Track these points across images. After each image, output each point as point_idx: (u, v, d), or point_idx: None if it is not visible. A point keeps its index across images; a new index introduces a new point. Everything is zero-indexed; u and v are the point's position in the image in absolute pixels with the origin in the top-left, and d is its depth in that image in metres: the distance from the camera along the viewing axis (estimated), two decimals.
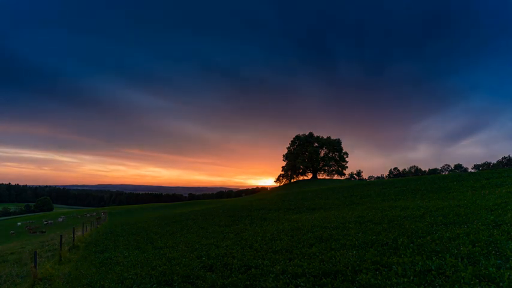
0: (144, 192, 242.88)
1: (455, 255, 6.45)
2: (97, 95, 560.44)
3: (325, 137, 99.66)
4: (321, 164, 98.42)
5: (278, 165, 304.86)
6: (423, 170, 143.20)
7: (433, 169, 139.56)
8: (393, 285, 5.44)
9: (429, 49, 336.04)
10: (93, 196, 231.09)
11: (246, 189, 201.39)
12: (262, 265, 7.93)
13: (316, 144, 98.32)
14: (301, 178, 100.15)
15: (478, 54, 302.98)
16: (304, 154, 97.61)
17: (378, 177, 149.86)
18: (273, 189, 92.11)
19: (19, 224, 54.03)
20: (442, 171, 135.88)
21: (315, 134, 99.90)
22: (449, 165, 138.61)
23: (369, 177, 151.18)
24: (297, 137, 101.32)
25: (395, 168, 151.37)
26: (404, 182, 31.32)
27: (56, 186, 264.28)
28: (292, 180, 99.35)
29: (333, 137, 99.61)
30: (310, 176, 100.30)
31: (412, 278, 5.60)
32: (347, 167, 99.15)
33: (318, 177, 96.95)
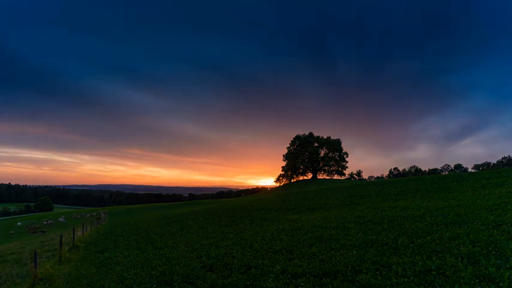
0: (144, 192, 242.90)
1: (455, 255, 6.45)
2: (97, 95, 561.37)
3: (325, 137, 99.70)
4: (321, 164, 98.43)
5: (278, 165, 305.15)
6: (423, 170, 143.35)
7: (433, 169, 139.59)
8: (393, 285, 5.44)
9: (429, 48, 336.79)
10: (93, 196, 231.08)
11: (246, 189, 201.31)
12: (262, 265, 7.93)
13: (316, 144, 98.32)
14: (301, 178, 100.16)
15: (478, 53, 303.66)
16: (304, 154, 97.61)
17: (378, 177, 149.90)
18: (273, 189, 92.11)
19: (19, 224, 54.01)
20: (442, 171, 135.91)
21: (315, 134, 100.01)
22: (449, 165, 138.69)
23: (369, 177, 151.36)
24: (297, 137, 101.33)
25: (395, 168, 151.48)
26: (404, 182, 31.32)
27: (55, 186, 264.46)
28: (292, 180, 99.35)
29: (333, 137, 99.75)
30: (310, 176, 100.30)
31: (412, 278, 5.60)
32: (347, 167, 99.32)
33: (318, 177, 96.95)
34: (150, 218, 31.55)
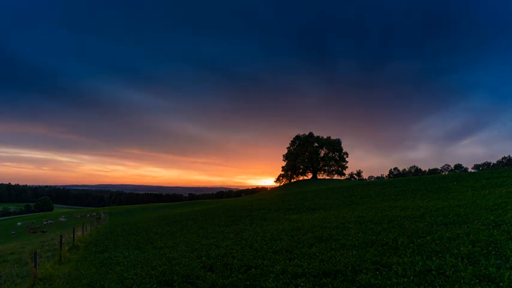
0: (144, 192, 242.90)
1: (455, 255, 6.45)
2: (97, 95, 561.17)
3: (325, 137, 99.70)
4: (321, 164, 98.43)
5: (278, 165, 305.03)
6: (423, 170, 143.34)
7: (433, 169, 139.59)
8: (393, 285, 5.44)
9: (429, 48, 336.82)
10: (93, 196, 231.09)
11: (246, 189, 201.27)
12: (262, 265, 7.93)
13: (316, 144, 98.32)
14: (301, 178, 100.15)
15: (478, 53, 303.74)
16: (304, 154, 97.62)
17: (378, 177, 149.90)
18: (273, 189, 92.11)
19: (19, 224, 54.01)
20: (442, 171, 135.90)
21: (315, 134, 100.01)
22: (449, 165, 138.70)
23: (369, 177, 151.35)
24: (297, 137, 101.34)
25: (395, 168, 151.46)
26: (404, 182, 31.32)
27: (56, 186, 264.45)
28: (292, 180, 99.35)
29: (333, 137, 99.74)
30: (310, 176, 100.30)
31: (412, 278, 5.60)
32: (347, 167, 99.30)
33: (318, 177, 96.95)
34: (150, 218, 31.55)
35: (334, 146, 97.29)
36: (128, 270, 9.24)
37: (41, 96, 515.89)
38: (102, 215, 52.13)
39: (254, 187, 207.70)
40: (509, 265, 5.47)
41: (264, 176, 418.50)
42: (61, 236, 14.40)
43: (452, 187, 21.17)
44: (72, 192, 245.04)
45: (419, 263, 6.21)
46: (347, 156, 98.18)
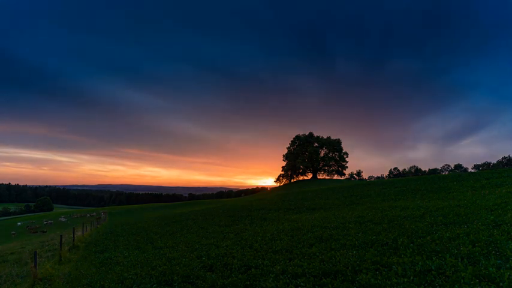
0: (144, 192, 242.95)
1: (455, 255, 6.45)
2: (97, 95, 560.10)
3: (325, 137, 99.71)
4: (321, 164, 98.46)
5: (278, 165, 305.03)
6: (423, 170, 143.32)
7: (433, 169, 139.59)
8: (393, 285, 5.44)
9: (429, 48, 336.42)
10: (93, 196, 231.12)
11: (246, 189, 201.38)
12: (262, 265, 7.93)
13: (316, 144, 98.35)
14: (301, 178, 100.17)
15: (478, 53, 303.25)
16: (304, 154, 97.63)
17: (378, 177, 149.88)
18: (273, 189, 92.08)
19: (19, 224, 54.00)
20: (442, 171, 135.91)
21: (315, 134, 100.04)
22: (449, 165, 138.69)
23: (369, 177, 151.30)
24: (297, 137, 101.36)
25: (395, 168, 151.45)
26: (404, 182, 31.32)
27: (55, 186, 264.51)
28: (292, 180, 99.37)
29: (333, 137, 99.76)
30: (310, 176, 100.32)
31: (412, 278, 5.60)
32: (347, 167, 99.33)
33: (318, 177, 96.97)
34: (150, 218, 31.55)
35: (334, 146, 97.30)
36: (128, 270, 9.24)
37: (40, 96, 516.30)
38: (102, 215, 52.13)
39: (254, 187, 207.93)
40: (509, 265, 5.47)
41: (264, 176, 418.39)
42: (61, 236, 14.40)
43: (452, 187, 21.17)
44: (72, 192, 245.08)
45: (419, 263, 6.21)
46: (347, 156, 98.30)
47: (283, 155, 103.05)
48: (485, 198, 13.93)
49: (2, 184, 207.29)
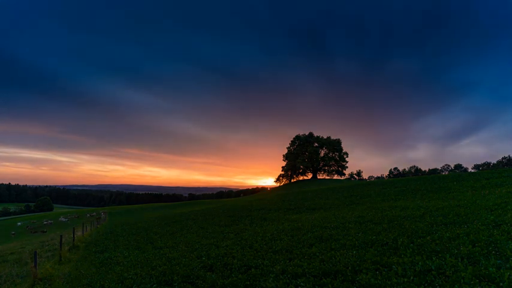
0: (144, 192, 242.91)
1: (455, 255, 6.45)
2: (97, 95, 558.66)
3: (325, 137, 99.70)
4: (321, 164, 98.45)
5: (278, 165, 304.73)
6: (423, 170, 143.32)
7: (433, 169, 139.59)
8: (393, 285, 5.44)
9: (429, 48, 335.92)
10: (93, 196, 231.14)
11: (246, 189, 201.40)
12: (262, 265, 7.93)
13: (316, 144, 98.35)
14: (301, 178, 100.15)
15: (478, 53, 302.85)
16: (304, 154, 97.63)
17: (378, 177, 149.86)
18: (273, 189, 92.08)
19: (19, 224, 53.98)
20: (442, 171, 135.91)
21: (315, 134, 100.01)
22: (449, 165, 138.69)
23: (369, 177, 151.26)
24: (297, 137, 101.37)
25: (395, 168, 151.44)
26: (404, 182, 31.32)
27: (55, 186, 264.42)
28: (292, 180, 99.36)
29: (333, 137, 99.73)
30: (310, 176, 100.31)
31: (412, 278, 5.60)
32: (347, 167, 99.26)
33: (318, 177, 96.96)
34: (150, 218, 31.55)
35: (334, 146, 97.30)
36: (128, 270, 9.24)
37: (40, 96, 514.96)
38: (102, 215, 52.11)
39: (254, 187, 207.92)
40: (509, 265, 5.47)
41: (264, 176, 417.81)
42: (61, 236, 14.40)
43: (452, 187, 21.17)
44: (72, 192, 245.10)
45: (419, 263, 6.21)
46: (347, 156, 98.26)
47: (283, 155, 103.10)
48: (485, 198, 13.93)
49: (2, 184, 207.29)
